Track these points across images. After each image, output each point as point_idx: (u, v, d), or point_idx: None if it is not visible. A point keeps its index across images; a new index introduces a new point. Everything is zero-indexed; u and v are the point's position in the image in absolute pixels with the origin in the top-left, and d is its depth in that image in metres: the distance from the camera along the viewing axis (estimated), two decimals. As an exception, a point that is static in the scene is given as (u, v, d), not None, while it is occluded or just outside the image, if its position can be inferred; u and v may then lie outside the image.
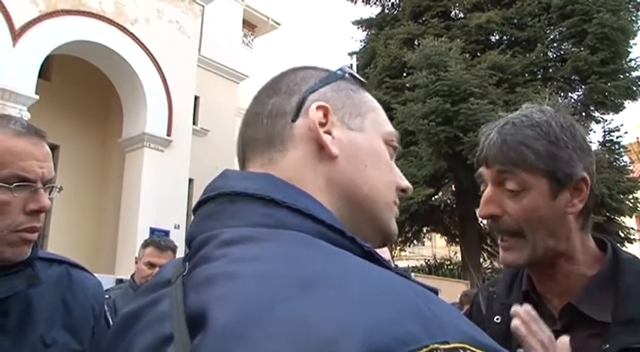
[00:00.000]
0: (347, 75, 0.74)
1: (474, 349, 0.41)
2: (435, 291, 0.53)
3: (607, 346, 0.96)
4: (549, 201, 1.05)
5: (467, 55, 13.89)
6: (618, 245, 1.14)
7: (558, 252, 1.06)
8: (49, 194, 1.15)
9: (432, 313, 0.42)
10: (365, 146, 0.69)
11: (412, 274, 13.13)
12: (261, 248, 0.52)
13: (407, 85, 14.34)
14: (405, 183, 0.75)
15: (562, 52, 14.78)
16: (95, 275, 1.40)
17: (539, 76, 14.79)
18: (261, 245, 0.52)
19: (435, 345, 0.39)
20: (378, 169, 0.70)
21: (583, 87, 14.34)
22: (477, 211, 1.09)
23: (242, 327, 0.42)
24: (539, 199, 1.04)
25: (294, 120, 0.67)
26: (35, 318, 1.14)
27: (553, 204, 1.05)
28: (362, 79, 0.77)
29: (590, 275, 1.07)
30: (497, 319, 1.13)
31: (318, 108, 0.67)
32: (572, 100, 14.95)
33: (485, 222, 1.10)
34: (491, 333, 1.09)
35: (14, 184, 1.06)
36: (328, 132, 0.67)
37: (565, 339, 0.94)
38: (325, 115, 0.67)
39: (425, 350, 0.38)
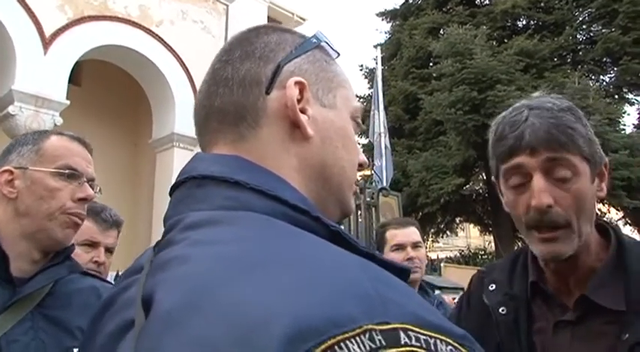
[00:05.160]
0: (322, 43, 0.71)
1: (418, 329, 0.39)
2: (405, 271, 0.53)
3: (627, 336, 0.95)
4: (590, 185, 1.03)
5: (493, 42, 13.72)
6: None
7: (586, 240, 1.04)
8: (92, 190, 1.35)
9: (379, 294, 0.41)
10: (337, 126, 0.67)
11: (442, 265, 13.02)
12: (218, 231, 0.51)
13: (433, 74, 14.21)
14: (363, 157, 0.73)
15: (592, 34, 14.48)
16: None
17: (569, 60, 14.52)
18: (219, 228, 0.52)
19: (370, 326, 0.37)
20: (347, 151, 0.68)
21: (615, 69, 14.03)
22: (532, 201, 1.01)
23: (181, 311, 0.41)
24: (586, 184, 1.02)
25: (268, 93, 0.64)
26: (73, 312, 1.27)
27: (592, 188, 1.04)
28: (335, 49, 0.74)
29: (599, 265, 1.06)
30: (503, 310, 1.10)
31: (295, 84, 0.64)
32: (604, 83, 14.64)
33: (530, 213, 1.02)
34: (498, 324, 1.09)
35: (66, 173, 1.28)
36: (303, 110, 0.64)
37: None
38: (301, 91, 0.64)
39: (358, 330, 0.37)
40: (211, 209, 0.56)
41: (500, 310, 1.11)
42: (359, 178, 8.54)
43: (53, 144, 1.31)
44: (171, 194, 0.64)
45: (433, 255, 17.81)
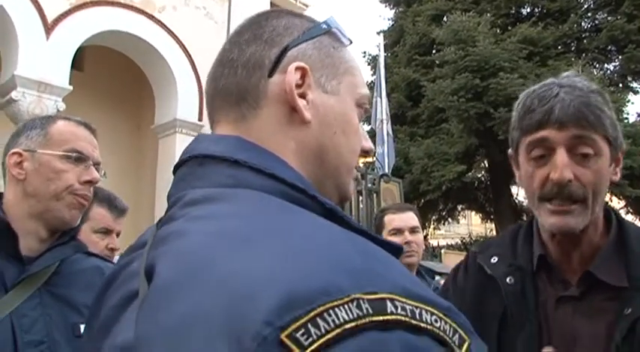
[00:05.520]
0: (333, 29, 0.72)
1: (404, 300, 0.40)
2: (396, 248, 0.55)
3: (630, 310, 0.99)
4: (608, 167, 1.07)
5: (496, 29, 13.63)
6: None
7: (591, 220, 1.07)
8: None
9: (366, 266, 0.43)
10: (337, 111, 0.68)
11: (442, 251, 13.05)
12: (216, 207, 0.53)
13: (436, 61, 14.15)
14: (368, 144, 0.74)
15: (596, 22, 14.38)
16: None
17: (573, 48, 14.42)
18: (217, 204, 0.54)
19: (359, 295, 0.39)
20: (346, 137, 0.69)
21: (619, 57, 13.95)
22: (553, 174, 1.03)
23: (177, 282, 0.44)
24: (605, 165, 1.06)
25: (270, 76, 0.66)
26: (78, 290, 1.32)
27: (609, 170, 1.08)
28: (346, 36, 0.74)
29: (603, 244, 1.10)
30: (510, 280, 1.13)
31: (297, 69, 0.65)
32: (608, 71, 14.57)
33: (547, 185, 1.05)
34: (506, 294, 1.11)
35: (73, 156, 1.33)
36: (303, 95, 0.65)
37: None
38: (302, 77, 0.65)
39: (347, 299, 0.39)
40: (211, 186, 0.58)
41: (507, 280, 1.13)
42: (361, 164, 8.54)
43: (60, 128, 1.37)
44: (174, 173, 0.66)
45: (434, 242, 17.85)
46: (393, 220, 2.64)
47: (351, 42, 0.75)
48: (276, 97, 0.65)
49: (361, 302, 0.39)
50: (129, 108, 12.46)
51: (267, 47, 0.67)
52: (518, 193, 16.45)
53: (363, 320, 0.38)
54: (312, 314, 0.38)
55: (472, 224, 23.47)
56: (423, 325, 0.40)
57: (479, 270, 1.19)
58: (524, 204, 16.41)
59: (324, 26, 0.71)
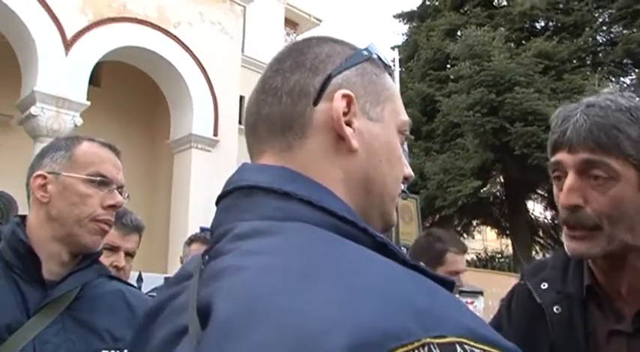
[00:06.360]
0: (373, 55, 0.71)
1: (473, 344, 0.39)
2: (449, 283, 0.53)
3: None
4: (636, 192, 0.98)
5: (511, 44, 13.64)
6: None
7: (632, 246, 0.99)
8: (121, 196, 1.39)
9: (431, 306, 0.42)
10: (382, 139, 0.67)
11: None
12: (268, 241, 0.52)
13: (451, 76, 14.16)
14: (409, 171, 0.73)
15: (612, 35, 14.32)
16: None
17: (588, 62, 14.37)
18: (269, 238, 0.53)
19: (429, 339, 0.38)
20: (391, 165, 0.68)
21: (636, 70, 13.85)
22: (560, 200, 1.00)
23: (240, 321, 0.42)
24: (627, 190, 0.97)
25: (315, 104, 0.65)
26: (100, 314, 1.30)
27: (639, 196, 0.98)
28: (386, 62, 0.73)
29: None
30: (557, 309, 1.06)
31: (343, 97, 0.64)
32: (625, 85, 14.46)
33: (563, 212, 1.01)
34: (552, 324, 1.05)
35: (97, 180, 1.31)
36: (349, 123, 0.64)
37: None
38: (348, 104, 0.64)
39: (417, 344, 0.38)
40: (259, 219, 0.57)
41: (554, 309, 1.07)
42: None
43: (85, 150, 1.35)
44: (217, 204, 0.65)
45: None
46: (457, 262, 2.55)
47: (391, 67, 0.74)
48: (322, 126, 0.64)
49: (432, 346, 0.38)
50: (144, 123, 12.58)
51: (311, 75, 0.66)
52: (534, 209, 16.32)
53: None
54: None
55: (487, 239, 23.28)
56: None
57: (528, 297, 1.13)
58: (540, 219, 16.28)
59: (366, 53, 0.70)
